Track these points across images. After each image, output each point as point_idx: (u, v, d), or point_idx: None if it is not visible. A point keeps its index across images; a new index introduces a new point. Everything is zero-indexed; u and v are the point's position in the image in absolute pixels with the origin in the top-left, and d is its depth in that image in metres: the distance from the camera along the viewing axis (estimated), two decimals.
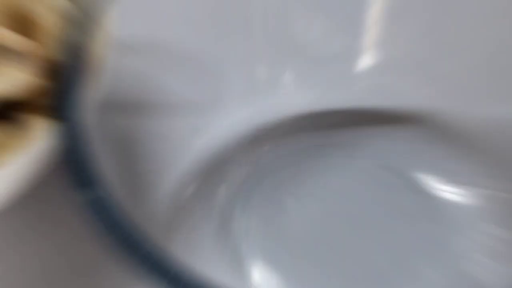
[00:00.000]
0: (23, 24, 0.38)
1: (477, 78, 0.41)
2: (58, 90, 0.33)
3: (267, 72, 0.44)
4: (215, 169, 0.43)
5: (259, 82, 0.44)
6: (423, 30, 0.42)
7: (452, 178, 0.43)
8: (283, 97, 0.45)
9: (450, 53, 0.40)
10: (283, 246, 0.41)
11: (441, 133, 0.44)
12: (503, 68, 0.39)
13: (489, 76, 0.40)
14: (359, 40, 0.43)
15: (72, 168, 0.30)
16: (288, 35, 0.43)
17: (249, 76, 0.44)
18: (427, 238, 0.41)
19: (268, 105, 0.45)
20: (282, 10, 0.42)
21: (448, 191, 0.43)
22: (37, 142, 0.36)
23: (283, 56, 0.44)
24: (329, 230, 0.41)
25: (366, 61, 0.45)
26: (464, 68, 0.41)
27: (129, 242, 0.28)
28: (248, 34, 0.42)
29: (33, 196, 0.42)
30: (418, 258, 0.40)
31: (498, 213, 0.41)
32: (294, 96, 0.45)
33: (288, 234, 0.41)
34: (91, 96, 0.33)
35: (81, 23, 0.34)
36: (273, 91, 0.45)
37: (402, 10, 0.43)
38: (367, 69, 0.45)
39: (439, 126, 0.44)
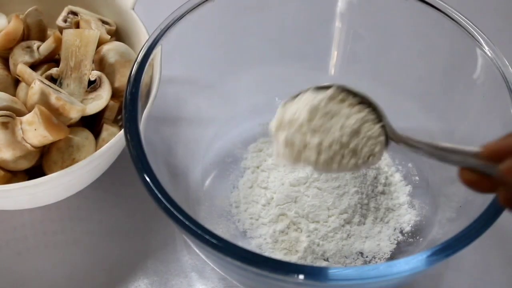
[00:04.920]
0: (101, 63, 0.49)
1: (396, 104, 0.50)
2: (123, 108, 0.42)
3: (264, 99, 0.55)
4: (228, 162, 0.54)
5: (259, 105, 0.55)
6: (362, 72, 0.54)
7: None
8: (275, 115, 0.52)
9: (382, 86, 0.50)
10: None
11: None
12: (409, 101, 0.49)
13: (401, 104, 0.51)
14: (323, 77, 0.54)
15: (134, 160, 0.40)
16: (276, 74, 0.54)
17: (252, 101, 0.55)
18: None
19: (265, 120, 0.55)
20: (272, 58, 0.54)
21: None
22: (107, 143, 0.46)
23: (274, 88, 0.55)
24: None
25: None
26: (391, 97, 0.50)
27: (169, 211, 0.37)
28: (251, 73, 0.53)
29: (106, 178, 0.52)
30: None
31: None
32: None
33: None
34: (145, 111, 0.44)
35: (139, 62, 0.44)
36: (268, 111, 0.52)
37: (351, 59, 0.54)
38: None
39: None
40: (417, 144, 0.38)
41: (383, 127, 0.40)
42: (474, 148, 0.34)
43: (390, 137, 0.40)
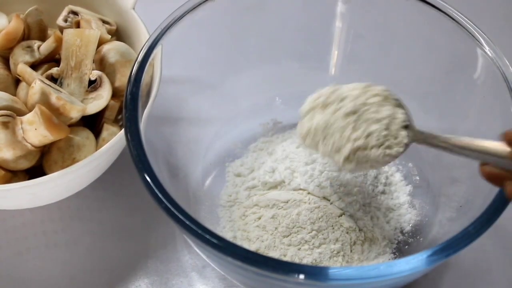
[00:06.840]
0: (101, 63, 0.49)
1: None
2: (124, 107, 0.42)
3: (264, 99, 0.56)
4: (228, 161, 0.54)
5: (259, 105, 0.55)
6: (363, 72, 0.53)
7: None
8: (275, 115, 0.56)
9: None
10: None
11: None
12: (409, 101, 0.48)
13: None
14: (323, 76, 0.54)
15: (134, 159, 0.40)
16: (276, 74, 0.55)
17: (252, 101, 0.55)
18: None
19: (265, 120, 0.56)
20: (272, 58, 0.54)
21: None
22: (107, 143, 0.46)
23: (274, 88, 0.55)
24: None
25: None
26: None
27: (170, 211, 0.37)
28: (251, 73, 0.53)
29: (106, 178, 0.52)
30: None
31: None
32: (282, 114, 0.56)
33: None
34: (146, 111, 0.44)
35: (139, 62, 0.44)
36: (269, 111, 0.56)
37: (351, 59, 0.54)
38: None
39: None
40: (441, 144, 0.40)
41: (406, 127, 0.42)
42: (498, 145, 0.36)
43: (412, 138, 0.41)
